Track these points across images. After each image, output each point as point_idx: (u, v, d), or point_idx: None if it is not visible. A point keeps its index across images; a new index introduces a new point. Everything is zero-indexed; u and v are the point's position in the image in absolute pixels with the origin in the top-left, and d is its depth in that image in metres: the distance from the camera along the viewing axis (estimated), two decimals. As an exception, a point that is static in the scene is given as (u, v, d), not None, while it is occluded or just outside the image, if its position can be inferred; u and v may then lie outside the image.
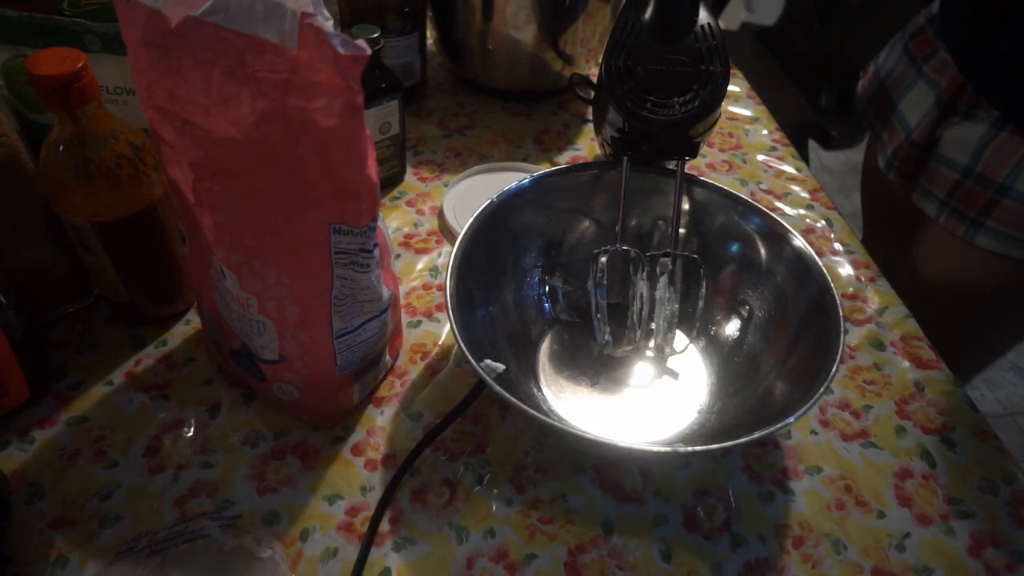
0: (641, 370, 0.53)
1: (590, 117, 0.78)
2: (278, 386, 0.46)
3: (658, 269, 0.52)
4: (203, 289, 0.46)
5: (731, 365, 0.52)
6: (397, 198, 0.68)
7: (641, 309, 0.52)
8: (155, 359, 0.52)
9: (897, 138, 0.74)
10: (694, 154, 0.53)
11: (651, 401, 0.51)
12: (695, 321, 0.54)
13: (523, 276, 0.55)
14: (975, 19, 0.66)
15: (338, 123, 0.35)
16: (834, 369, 0.42)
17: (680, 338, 0.55)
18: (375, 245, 0.42)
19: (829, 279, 0.47)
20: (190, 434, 0.48)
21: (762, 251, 0.53)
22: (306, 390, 0.46)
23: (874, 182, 0.83)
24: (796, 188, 0.73)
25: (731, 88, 0.85)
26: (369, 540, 0.43)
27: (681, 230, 0.55)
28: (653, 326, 0.52)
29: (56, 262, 0.51)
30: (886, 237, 0.84)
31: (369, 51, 0.33)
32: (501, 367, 0.43)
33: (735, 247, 0.54)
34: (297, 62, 0.32)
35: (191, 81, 0.35)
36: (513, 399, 0.40)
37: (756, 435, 0.39)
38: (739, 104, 0.84)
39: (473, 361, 0.42)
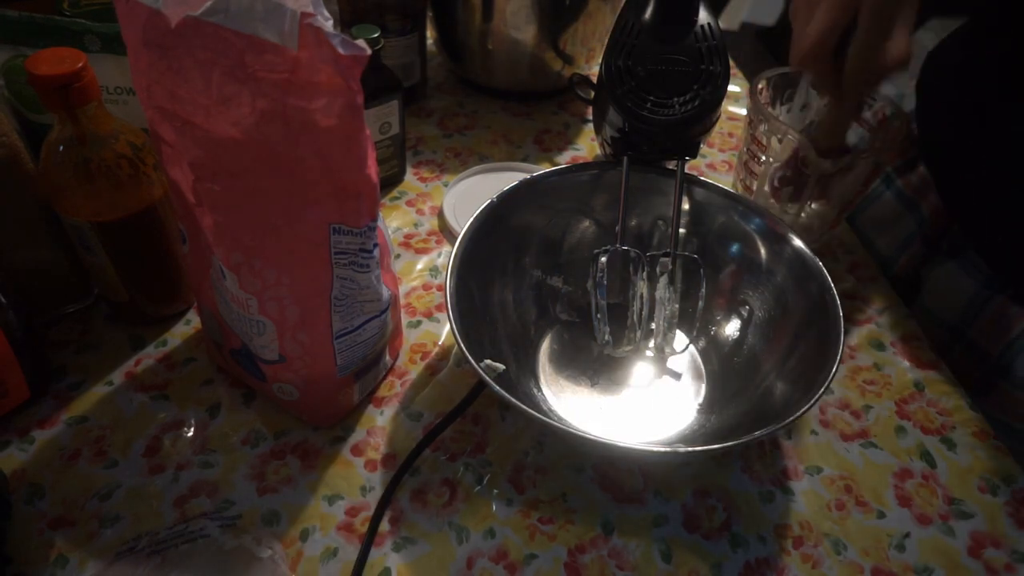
0: (641, 370, 0.53)
1: (590, 117, 0.78)
2: (278, 386, 0.46)
3: (658, 269, 0.52)
4: (203, 289, 0.46)
5: (731, 365, 0.52)
6: (397, 198, 0.68)
7: (641, 309, 0.52)
8: (155, 359, 0.52)
9: (867, 267, 0.65)
10: (694, 154, 0.53)
11: (651, 401, 0.51)
12: (695, 321, 0.54)
13: (523, 276, 0.55)
14: (956, 137, 0.57)
15: (338, 123, 0.35)
16: (834, 369, 0.42)
17: (680, 338, 0.55)
18: (375, 245, 0.42)
19: (829, 279, 0.47)
20: (190, 434, 0.48)
21: (762, 251, 0.53)
22: (306, 390, 0.46)
23: None
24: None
25: (731, 88, 0.85)
26: (369, 540, 0.43)
27: (681, 230, 0.55)
28: (653, 326, 0.52)
29: (56, 262, 0.51)
30: None
31: (369, 51, 0.33)
32: (501, 367, 0.43)
33: (735, 247, 0.54)
34: (297, 62, 0.32)
35: (191, 81, 0.35)
36: (513, 399, 0.40)
37: (756, 435, 0.39)
38: (739, 104, 0.84)
39: (473, 361, 0.42)
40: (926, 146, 0.62)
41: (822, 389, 0.41)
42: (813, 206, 0.62)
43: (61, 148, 0.43)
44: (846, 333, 0.48)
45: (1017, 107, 0.53)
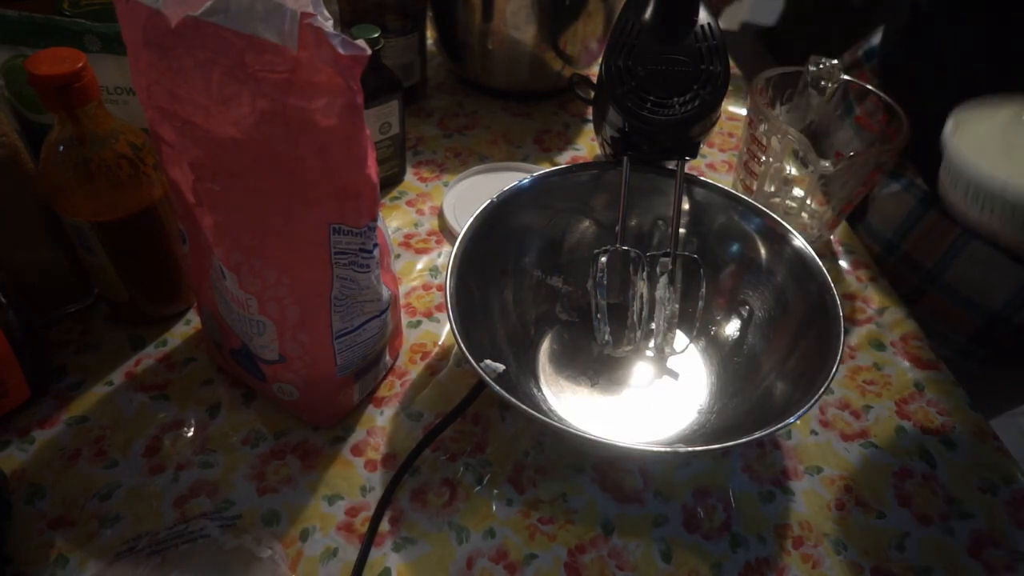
0: (641, 370, 0.53)
1: (590, 117, 0.78)
2: (278, 386, 0.46)
3: (658, 269, 0.52)
4: (203, 289, 0.46)
5: (731, 365, 0.52)
6: (397, 198, 0.68)
7: (641, 309, 0.52)
8: (155, 359, 0.52)
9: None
10: (694, 154, 0.53)
11: (651, 401, 0.51)
12: (695, 321, 0.54)
13: (523, 276, 0.55)
14: (910, 61, 0.63)
15: (338, 123, 0.35)
16: (834, 369, 0.42)
17: (680, 338, 0.55)
18: (375, 245, 0.42)
19: (829, 279, 0.47)
20: (190, 434, 0.48)
21: (762, 251, 0.53)
22: (306, 390, 0.46)
23: None
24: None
25: (731, 88, 0.84)
26: (369, 540, 0.43)
27: (681, 230, 0.55)
28: (653, 326, 0.52)
29: (56, 262, 0.51)
30: None
31: (369, 51, 0.33)
32: (501, 367, 0.43)
33: (735, 247, 0.54)
34: (297, 62, 0.32)
35: (191, 81, 0.35)
36: (513, 399, 0.40)
37: (756, 435, 0.39)
38: (739, 104, 0.84)
39: (473, 361, 0.42)
40: (883, 74, 0.67)
41: (822, 389, 0.41)
42: (813, 206, 0.62)
43: (61, 148, 0.43)
44: (846, 333, 0.48)
45: (954, 28, 0.58)
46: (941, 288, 0.62)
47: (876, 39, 0.70)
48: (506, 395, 0.40)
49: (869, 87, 0.60)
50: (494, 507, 0.46)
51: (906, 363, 0.57)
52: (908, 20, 0.65)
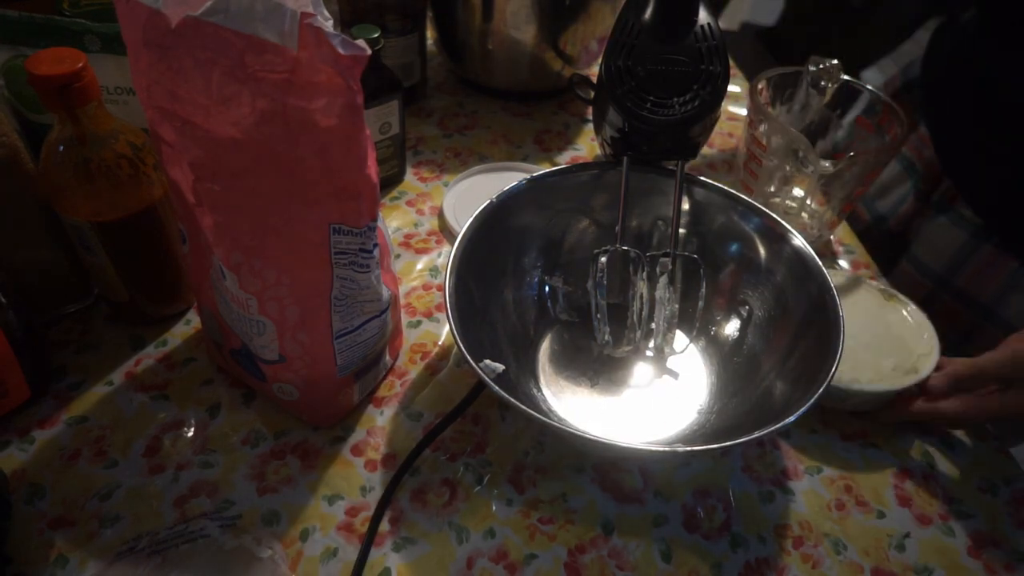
0: (641, 370, 0.53)
1: (590, 117, 0.78)
2: (278, 386, 0.46)
3: (658, 269, 0.52)
4: (203, 289, 0.46)
5: (731, 365, 0.52)
6: (397, 198, 0.68)
7: (641, 309, 0.52)
8: (155, 359, 0.52)
9: (861, 218, 0.69)
10: (694, 154, 0.54)
11: (651, 401, 0.51)
12: (695, 321, 0.54)
13: (523, 276, 0.55)
14: (955, 95, 0.60)
15: (338, 123, 0.35)
16: (834, 369, 0.42)
17: (680, 338, 0.55)
18: (375, 245, 0.42)
19: (829, 279, 0.47)
20: (190, 434, 0.48)
21: (762, 251, 0.53)
22: (306, 390, 0.46)
23: None
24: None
25: (731, 88, 0.85)
26: (369, 540, 0.43)
27: (681, 230, 0.55)
28: (653, 326, 0.52)
29: (56, 262, 0.51)
30: None
31: (369, 51, 0.33)
32: (501, 367, 0.43)
33: (735, 247, 0.54)
34: (297, 62, 0.32)
35: (191, 81, 0.35)
36: (513, 399, 0.40)
37: (756, 435, 0.39)
38: (739, 104, 0.84)
39: (472, 361, 0.42)
40: (927, 104, 0.65)
41: (822, 389, 0.41)
42: (813, 206, 0.62)
43: (61, 148, 0.43)
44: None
45: (1004, 52, 0.55)
46: (998, 323, 0.59)
47: (914, 69, 0.68)
48: (506, 395, 0.40)
49: (869, 87, 0.60)
50: (494, 507, 0.46)
51: (906, 363, 0.57)
52: (952, 45, 0.63)
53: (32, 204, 0.47)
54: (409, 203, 0.68)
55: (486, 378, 0.41)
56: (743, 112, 0.83)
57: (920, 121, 0.65)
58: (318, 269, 0.40)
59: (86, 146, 0.43)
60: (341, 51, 0.32)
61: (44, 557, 0.42)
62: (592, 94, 0.62)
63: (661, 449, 0.40)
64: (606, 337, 0.51)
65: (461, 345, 0.42)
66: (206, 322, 0.49)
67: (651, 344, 0.53)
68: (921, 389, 0.49)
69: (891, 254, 0.68)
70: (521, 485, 0.47)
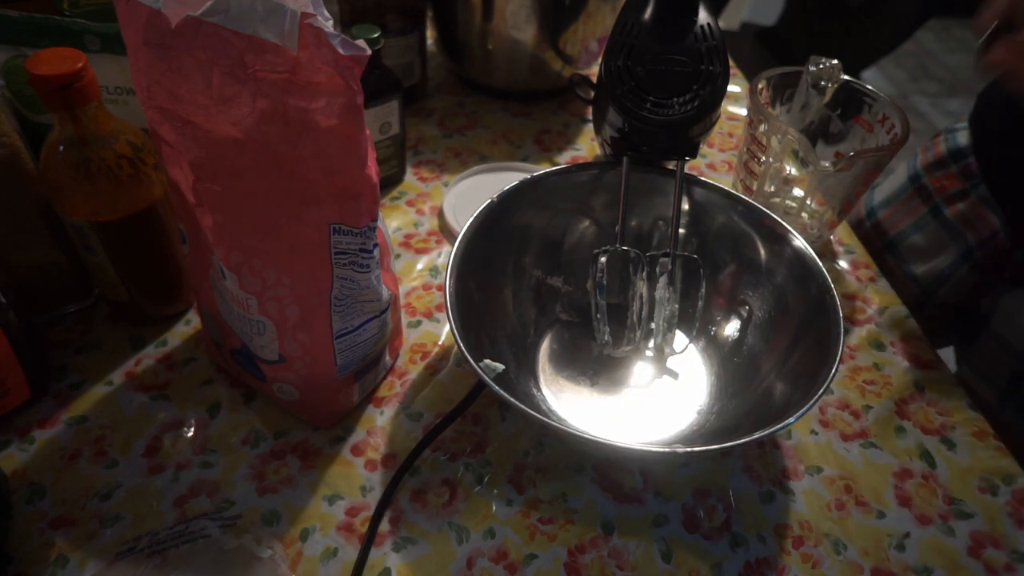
0: (641, 370, 0.53)
1: (590, 117, 0.78)
2: (278, 386, 0.46)
3: (658, 269, 0.52)
4: (203, 289, 0.46)
5: (731, 365, 0.52)
6: (397, 198, 0.68)
7: (641, 309, 0.52)
8: (155, 359, 0.52)
9: (907, 289, 0.66)
10: (694, 154, 0.53)
11: (651, 401, 0.51)
12: (695, 321, 0.54)
13: (523, 276, 0.55)
14: (1012, 151, 0.58)
15: (338, 123, 0.35)
16: (834, 369, 0.42)
17: (680, 338, 0.55)
18: (375, 245, 0.42)
19: (829, 279, 0.47)
20: (190, 434, 0.48)
21: (762, 251, 0.53)
22: (306, 390, 0.46)
23: None
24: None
25: (731, 88, 0.85)
26: (369, 540, 0.43)
27: (681, 230, 0.55)
28: (653, 326, 0.52)
29: (56, 262, 0.51)
30: None
31: (369, 51, 0.33)
32: (501, 367, 0.43)
33: (735, 247, 0.54)
34: (297, 62, 0.32)
35: (191, 81, 0.35)
36: (513, 399, 0.40)
37: (756, 435, 0.39)
38: (739, 104, 0.84)
39: (472, 361, 0.42)
40: (988, 173, 0.62)
41: (822, 389, 0.41)
42: (813, 206, 0.62)
43: (61, 148, 0.43)
44: (846, 333, 0.48)
45: None
46: None
47: (960, 137, 0.65)
48: (505, 395, 0.40)
49: (868, 87, 0.60)
50: (494, 507, 0.46)
51: (906, 363, 0.57)
52: (1000, 112, 0.60)
53: (32, 204, 0.47)
54: (409, 203, 0.68)
55: (486, 378, 0.41)
56: (743, 112, 0.83)
57: (972, 191, 0.62)
58: (318, 269, 0.40)
59: (86, 146, 0.43)
60: (341, 51, 0.32)
61: (44, 557, 0.42)
62: (592, 94, 0.62)
63: (661, 450, 0.40)
64: (606, 337, 0.51)
65: (461, 345, 0.42)
66: (206, 322, 0.49)
67: (651, 344, 0.53)
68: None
69: (964, 330, 0.64)
70: (521, 485, 0.47)
